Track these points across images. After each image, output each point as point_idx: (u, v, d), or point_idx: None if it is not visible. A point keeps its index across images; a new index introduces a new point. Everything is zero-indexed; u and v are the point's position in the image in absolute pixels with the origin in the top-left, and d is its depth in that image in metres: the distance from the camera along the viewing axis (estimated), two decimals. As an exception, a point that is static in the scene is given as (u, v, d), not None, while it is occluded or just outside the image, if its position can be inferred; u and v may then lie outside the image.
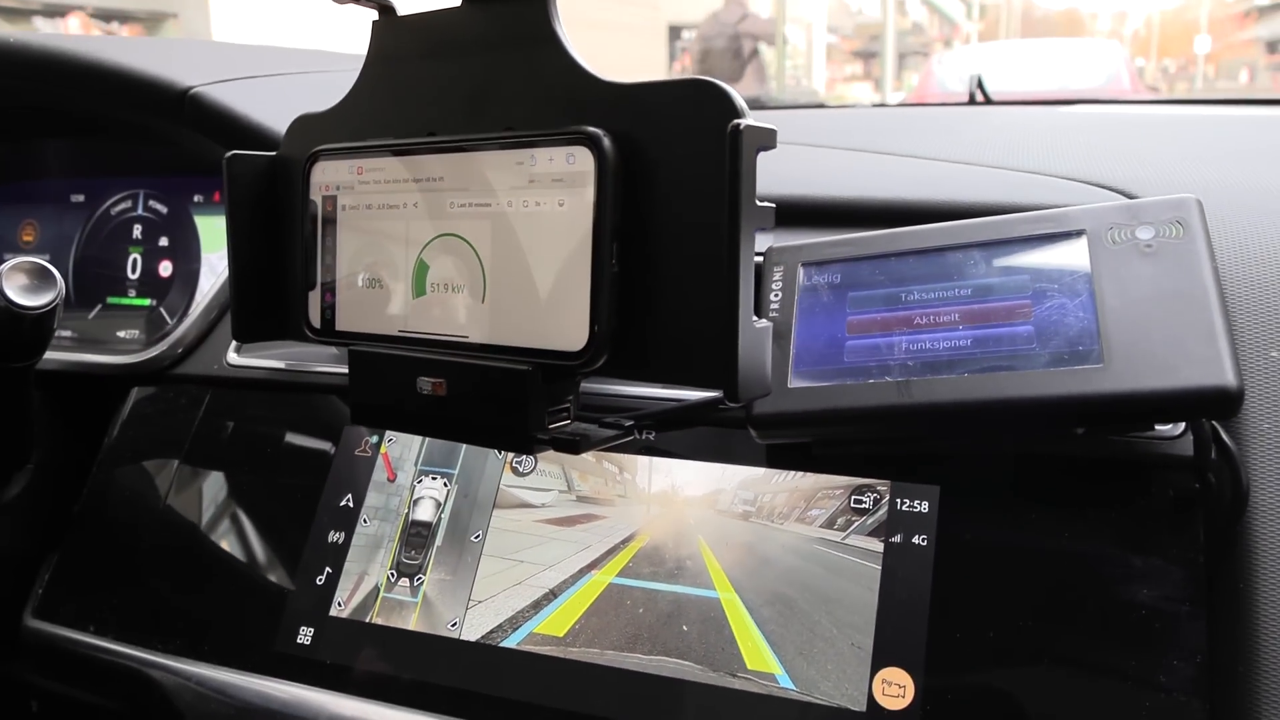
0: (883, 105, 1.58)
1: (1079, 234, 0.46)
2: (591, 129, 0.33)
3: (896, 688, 0.44)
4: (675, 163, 0.33)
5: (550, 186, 0.34)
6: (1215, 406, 0.40)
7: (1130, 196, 0.55)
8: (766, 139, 0.31)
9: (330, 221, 0.41)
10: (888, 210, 0.57)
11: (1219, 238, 0.50)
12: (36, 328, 0.54)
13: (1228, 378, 0.40)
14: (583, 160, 0.33)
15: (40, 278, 0.53)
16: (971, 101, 1.21)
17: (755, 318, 0.32)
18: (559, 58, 0.35)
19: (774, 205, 0.32)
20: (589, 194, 0.33)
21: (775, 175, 0.60)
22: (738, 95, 0.31)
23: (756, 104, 1.57)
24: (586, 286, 0.33)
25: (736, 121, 0.31)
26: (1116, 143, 0.68)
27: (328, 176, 0.41)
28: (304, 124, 0.43)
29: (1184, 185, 0.53)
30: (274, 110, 0.66)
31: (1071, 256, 0.46)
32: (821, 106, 1.67)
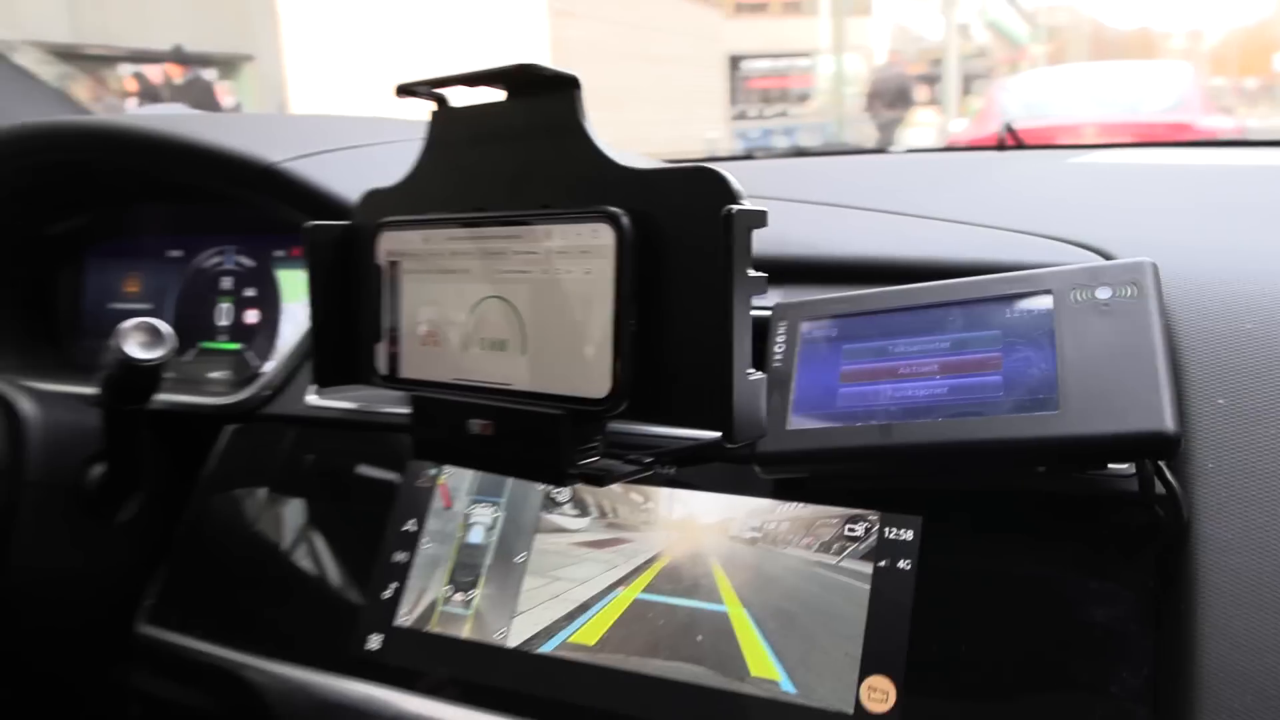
0: (913, 150, 1.63)
1: (1046, 293, 0.51)
2: (612, 208, 0.37)
3: (880, 693, 0.49)
4: (683, 237, 0.37)
5: (579, 257, 0.38)
6: (1156, 448, 0.45)
7: (1106, 255, 0.60)
8: (757, 220, 0.36)
9: (395, 283, 0.46)
10: (883, 269, 0.63)
11: (1183, 294, 0.54)
12: (149, 377, 0.62)
13: (1166, 423, 0.45)
14: (605, 235, 0.37)
15: (155, 335, 0.61)
16: (1000, 146, 1.25)
17: (751, 370, 0.36)
18: (584, 146, 0.40)
19: (766, 275, 0.37)
20: (611, 263, 0.37)
21: (784, 235, 0.67)
22: (734, 180, 0.36)
23: (799, 152, 1.64)
24: (610, 343, 0.37)
25: (730, 206, 0.35)
26: (1108, 197, 0.73)
27: (392, 244, 0.46)
28: (372, 198, 0.48)
29: (1154, 244, 0.58)
30: (345, 182, 0.74)
31: (1038, 314, 0.51)
32: (859, 152, 1.73)
